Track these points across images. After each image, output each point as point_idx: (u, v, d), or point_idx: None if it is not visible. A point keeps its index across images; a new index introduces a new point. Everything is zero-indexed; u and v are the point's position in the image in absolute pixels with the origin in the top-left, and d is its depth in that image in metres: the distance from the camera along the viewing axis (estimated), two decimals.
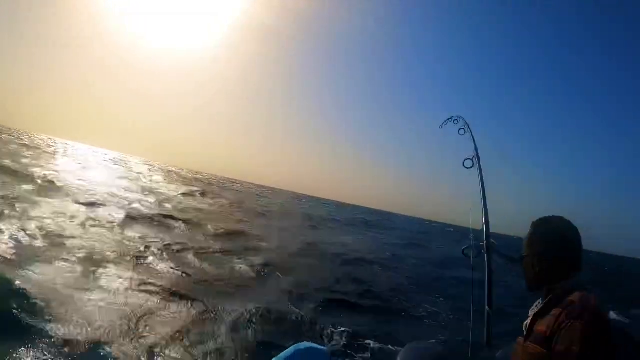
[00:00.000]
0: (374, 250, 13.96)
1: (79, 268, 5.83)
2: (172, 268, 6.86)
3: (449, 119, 3.66)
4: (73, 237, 7.29)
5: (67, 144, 65.16)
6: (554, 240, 1.34)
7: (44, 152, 28.99)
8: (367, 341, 5.28)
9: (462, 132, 3.32)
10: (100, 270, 5.95)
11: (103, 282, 5.55)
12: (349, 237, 16.91)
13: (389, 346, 5.14)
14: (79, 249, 6.64)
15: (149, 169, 43.69)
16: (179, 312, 5.15)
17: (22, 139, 39.94)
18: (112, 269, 6.12)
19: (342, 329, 5.49)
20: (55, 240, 6.82)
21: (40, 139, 53.39)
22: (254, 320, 5.28)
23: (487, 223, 2.39)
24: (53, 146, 43.43)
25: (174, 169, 69.90)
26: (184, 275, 6.67)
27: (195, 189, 25.61)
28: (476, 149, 3.00)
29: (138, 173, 31.07)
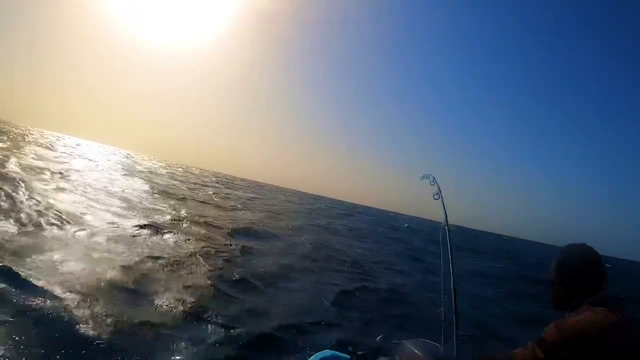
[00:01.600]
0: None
1: None
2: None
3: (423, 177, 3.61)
4: None
5: (61, 139, 62.23)
6: (572, 267, 1.54)
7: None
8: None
9: (436, 197, 3.73)
10: None
11: None
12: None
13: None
14: None
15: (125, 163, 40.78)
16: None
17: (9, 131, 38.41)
18: None
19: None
20: None
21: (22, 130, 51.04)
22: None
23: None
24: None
25: (161, 164, 68.17)
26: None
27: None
28: (445, 215, 3.60)
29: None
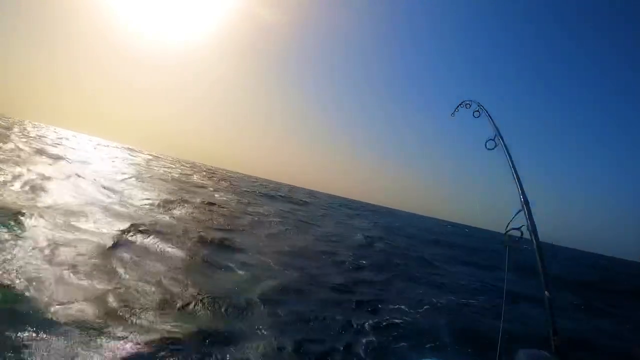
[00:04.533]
0: None
1: None
2: None
3: (460, 104, 3.57)
4: None
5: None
6: None
7: None
8: None
9: (476, 114, 3.17)
10: None
11: None
12: None
13: None
14: None
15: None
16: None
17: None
18: None
19: None
20: None
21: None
22: None
23: (526, 202, 2.07)
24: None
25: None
26: None
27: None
28: (497, 127, 2.78)
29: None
